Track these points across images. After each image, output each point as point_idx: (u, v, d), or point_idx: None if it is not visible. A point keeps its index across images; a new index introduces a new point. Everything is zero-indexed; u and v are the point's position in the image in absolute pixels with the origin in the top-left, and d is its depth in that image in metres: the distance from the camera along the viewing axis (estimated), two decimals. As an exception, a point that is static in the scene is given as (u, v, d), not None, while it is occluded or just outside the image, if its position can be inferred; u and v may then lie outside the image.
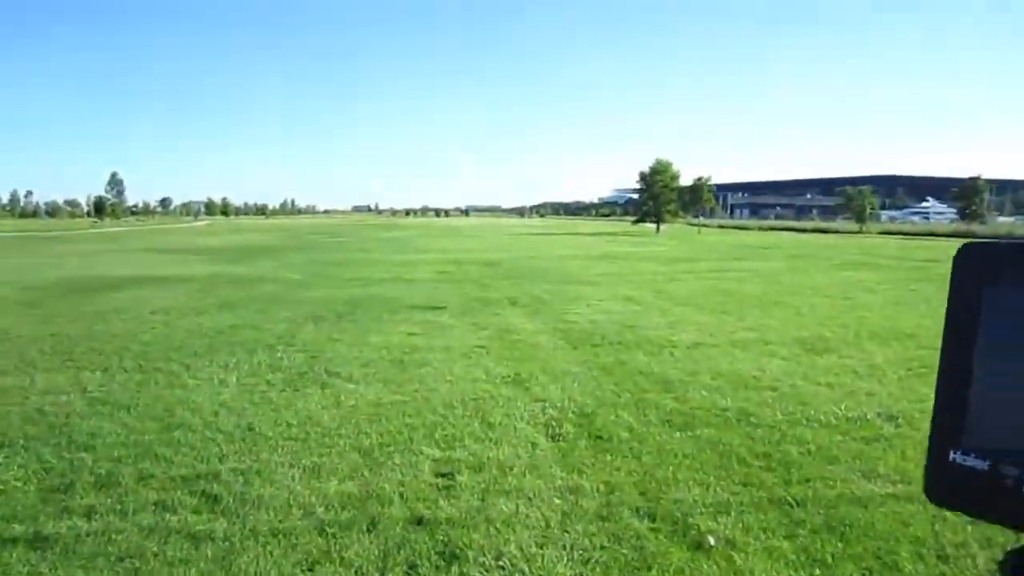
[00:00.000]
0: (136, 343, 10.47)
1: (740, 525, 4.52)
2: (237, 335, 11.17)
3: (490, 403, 7.29)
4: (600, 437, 6.22)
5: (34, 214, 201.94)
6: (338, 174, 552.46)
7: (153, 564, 4.01)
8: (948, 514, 4.21)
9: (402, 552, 4.16)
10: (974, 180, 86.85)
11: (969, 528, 4.32)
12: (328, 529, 4.43)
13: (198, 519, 4.57)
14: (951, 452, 0.72)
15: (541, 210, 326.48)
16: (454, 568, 4.00)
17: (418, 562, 4.05)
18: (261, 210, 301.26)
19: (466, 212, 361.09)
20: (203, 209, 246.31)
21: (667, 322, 12.56)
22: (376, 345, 10.36)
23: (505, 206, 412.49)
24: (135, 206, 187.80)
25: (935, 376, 0.74)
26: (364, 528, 4.45)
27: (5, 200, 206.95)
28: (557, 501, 4.87)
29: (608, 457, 5.69)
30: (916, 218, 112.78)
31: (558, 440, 6.14)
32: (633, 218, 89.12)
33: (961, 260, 0.73)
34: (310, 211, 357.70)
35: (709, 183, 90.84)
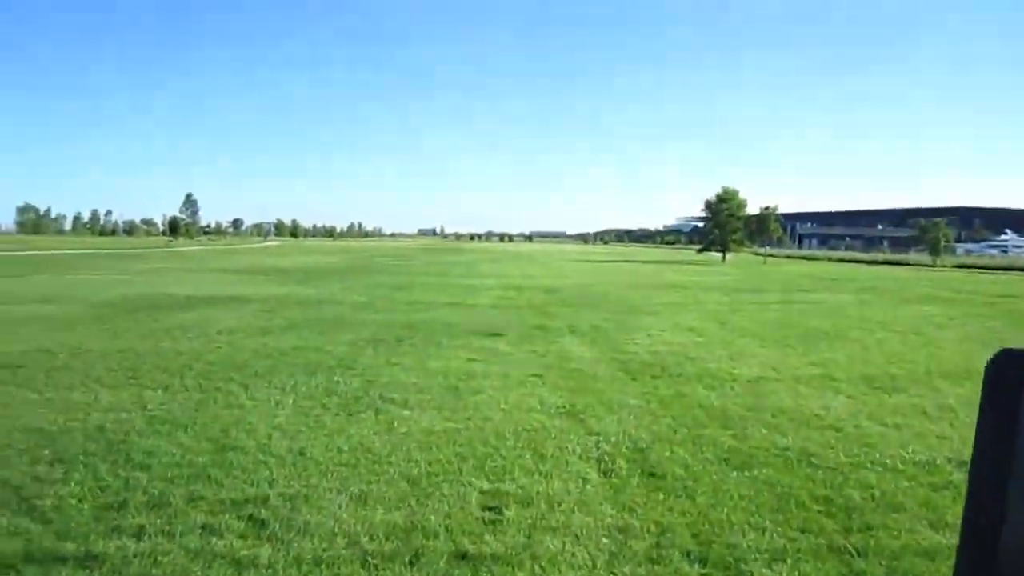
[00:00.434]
0: (200, 362, 10.66)
1: (796, 575, 4.32)
2: (298, 357, 11.29)
3: (543, 434, 7.19)
4: (654, 474, 6.05)
5: (113, 232, 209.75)
6: (404, 198, 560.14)
7: (196, 589, 4.01)
8: None
9: (444, 588, 4.07)
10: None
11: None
12: (371, 560, 4.37)
13: (243, 544, 4.56)
14: None
15: (605, 237, 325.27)
16: (496, 607, 3.90)
17: (460, 599, 3.96)
18: (329, 232, 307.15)
19: (530, 238, 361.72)
20: (273, 230, 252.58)
21: (729, 355, 12.29)
22: (433, 371, 10.35)
23: (569, 232, 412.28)
24: (208, 226, 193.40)
25: None
26: (407, 561, 4.38)
27: (86, 218, 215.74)
28: (605, 540, 4.73)
29: (661, 495, 5.52)
30: (994, 251, 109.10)
31: (610, 476, 5.99)
32: (698, 246, 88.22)
33: (997, 369, 0.61)
34: (376, 234, 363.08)
35: (776, 212, 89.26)
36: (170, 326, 14.53)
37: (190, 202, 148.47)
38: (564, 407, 8.34)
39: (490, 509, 5.22)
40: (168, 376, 9.59)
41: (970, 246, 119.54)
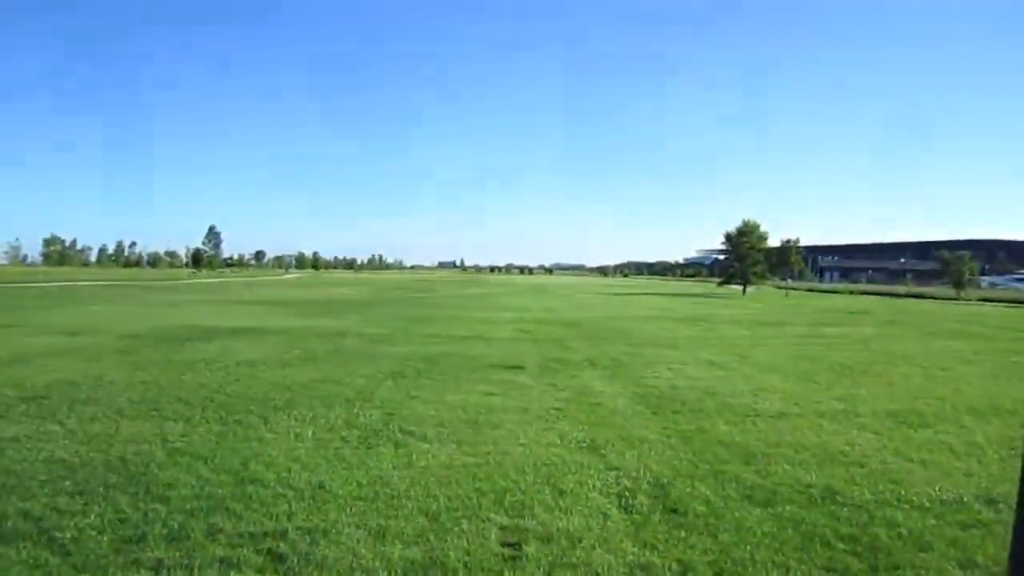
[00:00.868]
0: (221, 394, 10.71)
1: (822, 615, 4.23)
2: (318, 389, 11.31)
3: (563, 469, 7.13)
4: (675, 510, 5.97)
5: (137, 264, 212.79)
6: (425, 230, 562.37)
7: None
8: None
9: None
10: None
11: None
12: (389, 597, 4.33)
13: (262, 579, 4.55)
14: None
15: (625, 269, 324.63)
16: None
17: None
18: (349, 264, 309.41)
19: (550, 270, 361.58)
20: (294, 262, 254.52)
21: (751, 389, 12.18)
22: (452, 404, 10.33)
23: (589, 265, 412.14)
24: (230, 258, 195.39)
25: None
26: (426, 598, 4.34)
27: (111, 250, 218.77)
28: (626, 579, 4.66)
29: (682, 533, 5.45)
30: (1020, 285, 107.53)
31: (631, 512, 5.93)
32: (718, 279, 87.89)
33: None
34: (397, 266, 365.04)
35: (798, 245, 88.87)
36: (192, 358, 14.63)
37: (213, 234, 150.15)
38: (584, 441, 8.29)
39: (509, 545, 5.17)
40: (189, 408, 9.64)
41: (995, 279, 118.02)
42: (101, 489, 6.17)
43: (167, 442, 7.83)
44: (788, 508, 6.08)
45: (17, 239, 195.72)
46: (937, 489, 6.66)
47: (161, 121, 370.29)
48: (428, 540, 5.21)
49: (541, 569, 4.78)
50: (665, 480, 6.82)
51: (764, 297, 66.33)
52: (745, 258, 77.61)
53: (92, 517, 5.48)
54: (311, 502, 5.99)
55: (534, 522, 5.62)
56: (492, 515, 5.76)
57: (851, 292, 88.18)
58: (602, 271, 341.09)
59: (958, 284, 78.07)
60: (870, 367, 15.51)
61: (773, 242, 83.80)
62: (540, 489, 6.49)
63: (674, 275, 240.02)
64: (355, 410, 9.75)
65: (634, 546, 5.19)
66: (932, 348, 20.40)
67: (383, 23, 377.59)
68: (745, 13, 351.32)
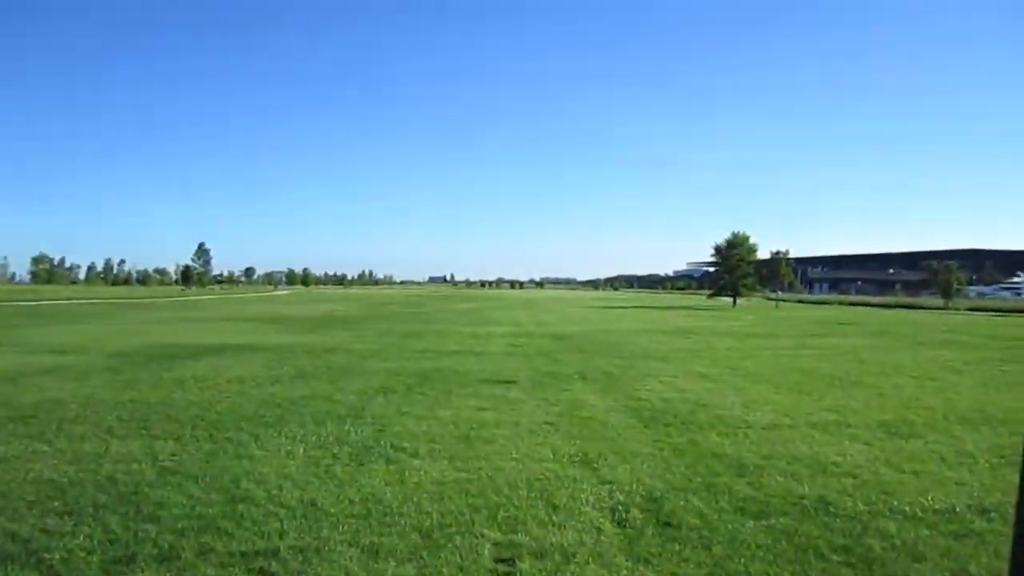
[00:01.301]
0: (211, 412, 10.65)
1: (817, 628, 4.22)
2: (308, 406, 11.26)
3: (556, 484, 7.11)
4: (669, 524, 5.96)
5: (126, 281, 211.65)
6: (415, 246, 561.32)
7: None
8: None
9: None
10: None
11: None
12: (383, 615, 4.30)
13: (254, 599, 4.51)
14: None
15: (616, 283, 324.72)
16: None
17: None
18: (340, 280, 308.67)
19: (540, 284, 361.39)
20: (284, 279, 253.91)
21: (742, 401, 12.19)
22: (444, 420, 10.30)
23: (580, 278, 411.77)
24: (220, 275, 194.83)
25: None
26: (420, 615, 4.31)
27: (100, 268, 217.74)
28: (621, 593, 4.64)
29: (676, 546, 5.43)
30: (1007, 294, 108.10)
31: (624, 526, 5.91)
32: (708, 292, 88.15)
33: None
34: (387, 281, 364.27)
35: (787, 257, 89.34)
36: (181, 376, 14.55)
37: (203, 251, 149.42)
38: (577, 456, 8.27)
39: (503, 561, 5.15)
40: (179, 426, 9.58)
41: (982, 288, 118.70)
42: (90, 509, 6.12)
43: (157, 461, 7.77)
44: (782, 520, 6.08)
45: (5, 257, 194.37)
46: (929, 499, 6.67)
47: (148, 139, 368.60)
48: (421, 557, 5.18)
49: (535, 585, 4.76)
50: (658, 493, 6.81)
51: (754, 309, 66.54)
52: (735, 270, 77.97)
53: (81, 538, 5.43)
54: (303, 520, 5.94)
55: (527, 537, 5.60)
56: (485, 531, 5.73)
57: (840, 303, 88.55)
58: (593, 284, 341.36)
59: (946, 294, 78.49)
60: (861, 378, 15.56)
61: (763, 254, 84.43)
62: (533, 504, 6.47)
63: (664, 288, 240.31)
64: (346, 427, 9.71)
65: (628, 560, 5.17)
66: (922, 358, 20.50)
67: (369, 35, 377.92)
68: (732, 24, 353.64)
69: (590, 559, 5.18)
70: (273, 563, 5.03)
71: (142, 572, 4.86)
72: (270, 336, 26.46)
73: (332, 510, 6.20)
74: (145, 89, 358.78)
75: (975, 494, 6.87)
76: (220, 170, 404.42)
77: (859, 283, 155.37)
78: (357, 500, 6.49)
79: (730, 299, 79.79)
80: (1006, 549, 5.25)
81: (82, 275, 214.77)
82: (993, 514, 6.22)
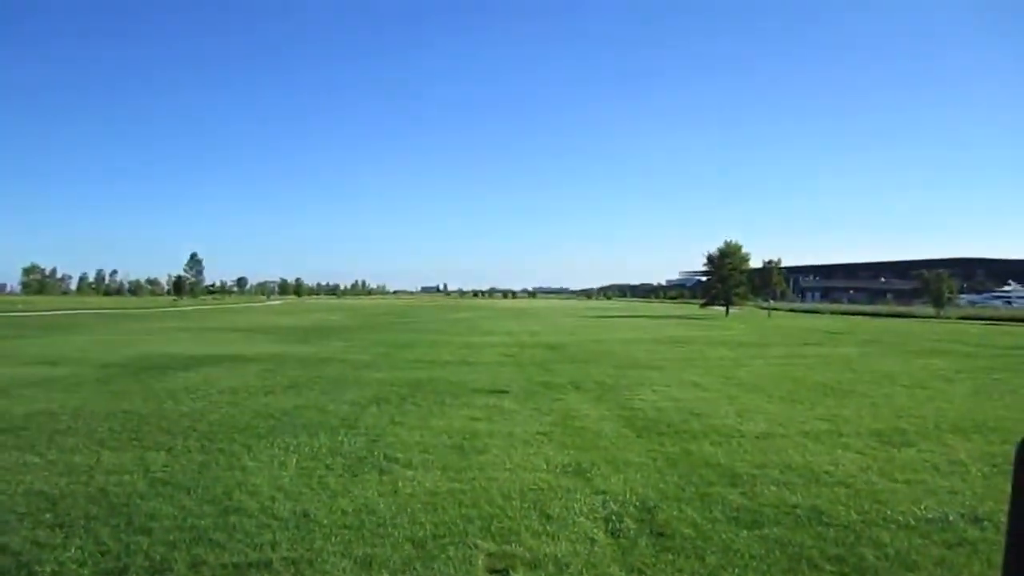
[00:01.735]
0: (203, 423, 10.60)
1: (811, 637, 4.22)
2: (301, 417, 11.23)
3: (549, 494, 7.10)
4: (662, 534, 5.95)
5: (118, 292, 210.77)
6: (408, 256, 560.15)
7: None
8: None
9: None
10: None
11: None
12: (376, 627, 4.28)
13: (246, 611, 4.48)
14: None
15: (608, 292, 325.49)
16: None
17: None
18: (333, 290, 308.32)
19: (533, 294, 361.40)
20: (277, 289, 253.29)
21: (735, 410, 12.20)
22: (437, 430, 10.28)
23: (572, 288, 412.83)
24: (212, 285, 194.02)
25: None
26: (413, 627, 4.30)
27: (92, 278, 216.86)
28: (615, 603, 4.63)
29: (670, 556, 5.43)
30: (998, 302, 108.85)
31: (618, 536, 5.90)
32: (701, 301, 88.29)
33: None
34: (380, 291, 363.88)
35: (779, 266, 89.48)
36: (173, 387, 14.49)
37: (195, 261, 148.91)
38: (570, 465, 8.26)
39: (497, 572, 5.14)
40: (171, 438, 9.54)
41: (973, 297, 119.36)
42: (82, 521, 6.08)
43: (149, 472, 7.73)
44: (775, 529, 6.08)
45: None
46: (922, 508, 6.68)
47: (140, 147, 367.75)
48: (415, 568, 5.16)
49: (529, 596, 4.75)
50: (652, 503, 6.80)
51: (747, 318, 66.69)
52: (727, 279, 78.14)
53: (73, 550, 5.39)
54: (296, 531, 5.92)
55: (521, 548, 5.58)
56: (479, 541, 5.72)
57: (832, 312, 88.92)
58: (586, 294, 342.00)
59: (938, 303, 78.93)
60: (853, 387, 15.59)
61: (755, 263, 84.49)
62: (527, 514, 6.45)
63: (657, 297, 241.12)
64: (339, 437, 9.68)
65: (621, 571, 5.17)
66: (914, 367, 20.55)
67: (364, 45, 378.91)
68: (722, 34, 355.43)
69: (584, 569, 5.18)
70: (266, 575, 5.01)
71: (134, 585, 4.83)
72: (262, 346, 26.38)
73: (325, 521, 6.17)
74: (138, 95, 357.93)
75: (968, 503, 6.87)
76: (212, 181, 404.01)
77: (851, 292, 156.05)
78: (350, 511, 6.47)
79: (723, 308, 79.95)
80: (999, 558, 5.27)
81: (74, 285, 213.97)
82: (986, 523, 6.23)
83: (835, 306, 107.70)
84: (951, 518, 6.40)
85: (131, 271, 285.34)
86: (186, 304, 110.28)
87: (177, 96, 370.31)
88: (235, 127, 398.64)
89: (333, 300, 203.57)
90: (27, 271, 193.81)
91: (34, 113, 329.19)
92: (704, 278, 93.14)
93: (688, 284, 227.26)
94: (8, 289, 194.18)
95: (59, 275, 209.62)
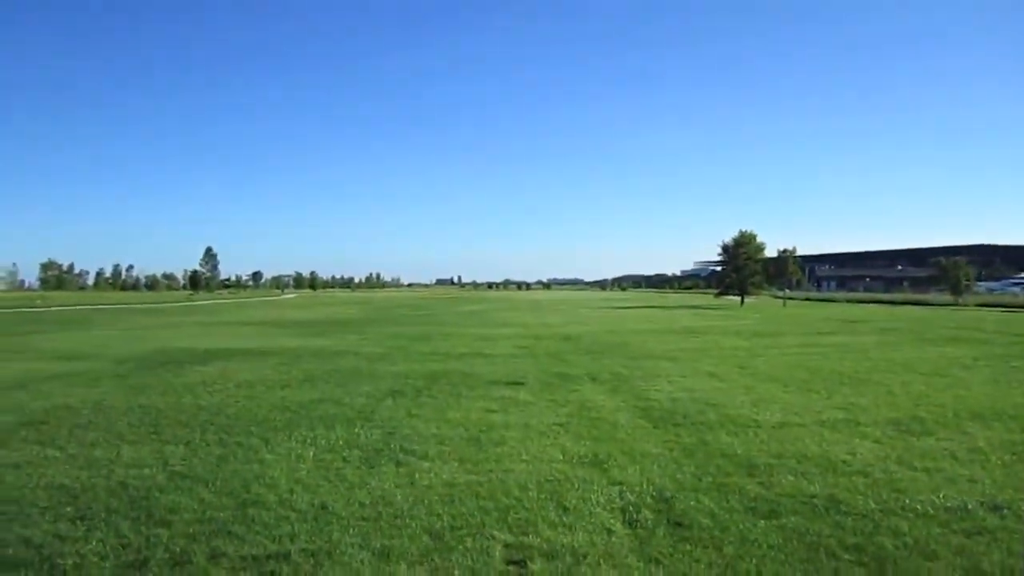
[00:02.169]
0: (221, 416, 10.68)
1: (830, 627, 4.21)
2: (317, 410, 11.28)
3: (566, 485, 7.11)
4: (680, 524, 5.96)
5: (135, 287, 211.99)
6: (422, 248, 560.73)
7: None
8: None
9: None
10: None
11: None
12: (395, 617, 4.31)
13: (266, 603, 4.52)
14: None
15: (623, 283, 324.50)
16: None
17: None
18: (347, 283, 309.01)
19: (547, 285, 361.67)
20: (292, 282, 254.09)
21: (751, 400, 12.17)
22: (453, 422, 10.31)
23: (586, 279, 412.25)
24: (228, 279, 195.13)
25: None
26: (432, 618, 4.32)
27: (108, 273, 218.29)
28: (633, 594, 4.64)
29: (687, 546, 5.43)
30: (1017, 289, 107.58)
31: (635, 526, 5.91)
32: (715, 291, 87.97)
33: None
34: (394, 284, 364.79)
35: (794, 255, 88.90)
36: (191, 381, 14.59)
37: (210, 256, 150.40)
38: (587, 456, 8.27)
39: (515, 563, 5.16)
40: (189, 431, 9.62)
41: (991, 284, 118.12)
42: (103, 514, 6.15)
43: (168, 466, 7.80)
44: (792, 519, 6.07)
45: (14, 264, 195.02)
46: (941, 497, 6.65)
47: (154, 143, 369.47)
48: (432, 559, 5.19)
49: (547, 586, 4.76)
50: (669, 494, 6.80)
51: (762, 307, 66.36)
52: (742, 269, 77.78)
53: (94, 543, 5.46)
54: (314, 523, 5.96)
55: (538, 539, 5.60)
56: (496, 533, 5.74)
57: (848, 300, 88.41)
58: (600, 285, 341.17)
59: (955, 290, 78.23)
60: (870, 375, 15.51)
61: (770, 252, 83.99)
62: (544, 505, 6.47)
63: (672, 288, 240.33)
64: (356, 430, 9.73)
65: (639, 561, 5.17)
66: (931, 355, 20.42)
67: (375, 39, 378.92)
68: (733, 21, 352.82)
69: (601, 560, 5.19)
70: (284, 567, 5.05)
71: (155, 577, 4.88)
72: (278, 340, 26.50)
73: (343, 513, 6.21)
74: (150, 91, 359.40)
75: (987, 491, 6.84)
76: (227, 175, 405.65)
77: (867, 280, 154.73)
78: (367, 503, 6.50)
79: (737, 298, 79.65)
80: (1020, 546, 5.25)
81: (91, 281, 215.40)
82: (1006, 511, 6.20)
83: (851, 295, 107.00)
84: (970, 507, 6.37)
85: (147, 266, 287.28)
86: (202, 299, 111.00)
87: (188, 88, 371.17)
88: (250, 122, 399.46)
89: (347, 293, 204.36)
90: (45, 267, 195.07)
91: (49, 111, 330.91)
92: (719, 268, 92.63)
93: (703, 274, 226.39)
94: (27, 285, 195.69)
95: (76, 271, 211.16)
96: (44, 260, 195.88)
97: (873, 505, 6.45)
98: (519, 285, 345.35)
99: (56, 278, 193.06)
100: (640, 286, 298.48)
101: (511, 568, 5.07)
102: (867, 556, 5.24)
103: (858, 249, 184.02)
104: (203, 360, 18.76)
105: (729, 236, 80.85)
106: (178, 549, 5.35)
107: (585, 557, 5.23)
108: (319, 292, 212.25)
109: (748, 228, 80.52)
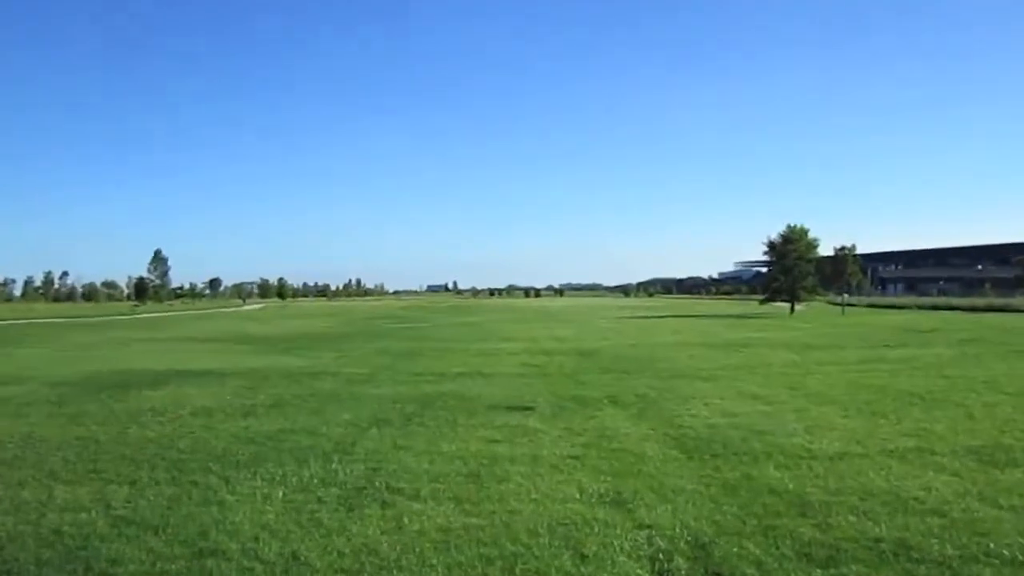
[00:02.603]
0: (172, 450, 10.71)
1: None
2: (288, 441, 11.31)
3: (584, 529, 7.11)
4: (719, 574, 5.95)
5: (70, 297, 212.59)
6: (410, 250, 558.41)
7: None
8: None
9: None
10: None
11: None
12: None
13: (227, 672, 4.52)
14: None
15: (650, 288, 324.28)
16: None
17: None
18: (322, 291, 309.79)
19: (560, 291, 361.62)
20: (256, 290, 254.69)
21: (804, 426, 12.16)
22: (449, 454, 10.33)
23: (607, 284, 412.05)
24: (181, 287, 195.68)
25: None
26: None
27: (39, 281, 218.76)
28: (664, 659, 4.64)
29: (729, 601, 5.43)
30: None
31: (667, 578, 5.91)
32: (760, 297, 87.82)
33: None
34: (379, 292, 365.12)
35: (854, 253, 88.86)
36: (137, 408, 14.63)
37: (159, 260, 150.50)
38: (608, 495, 8.27)
39: (523, 622, 5.16)
40: (135, 468, 9.64)
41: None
42: (32, 568, 6.15)
43: (110, 509, 7.81)
44: (854, 567, 6.05)
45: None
46: (1032, 540, 6.64)
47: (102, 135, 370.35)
48: (425, 619, 5.19)
49: (561, 650, 4.76)
50: (706, 539, 6.79)
51: (816, 316, 66.28)
52: (792, 270, 77.45)
53: (23, 603, 5.47)
54: (283, 576, 5.97)
55: (551, 595, 5.60)
56: (501, 587, 5.74)
57: (919, 306, 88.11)
58: (623, 291, 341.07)
59: (1047, 294, 77.95)
60: (946, 396, 15.48)
61: (825, 250, 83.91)
62: (557, 553, 6.46)
63: (708, 293, 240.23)
64: (333, 465, 9.74)
65: (672, 619, 5.17)
66: (1019, 370, 20.38)
67: (358, 29, 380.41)
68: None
69: (626, 618, 5.18)
70: (249, 628, 5.05)
71: (95, 642, 4.89)
72: (241, 359, 26.57)
73: (318, 564, 6.22)
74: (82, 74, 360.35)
75: (1087, 533, 6.82)
76: (180, 169, 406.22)
77: (941, 282, 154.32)
78: (347, 552, 6.50)
79: (787, 304, 79.46)
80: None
81: (18, 291, 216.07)
82: (1109, 557, 6.18)
83: (922, 299, 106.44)
84: (1067, 552, 6.35)
85: (84, 273, 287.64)
86: (149, 310, 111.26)
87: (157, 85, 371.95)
88: (206, 106, 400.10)
89: (322, 303, 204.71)
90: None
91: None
92: (764, 269, 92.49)
93: (745, 277, 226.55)
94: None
95: (0, 280, 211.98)
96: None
97: (950, 551, 6.42)
98: (527, 292, 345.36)
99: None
100: (670, 291, 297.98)
101: (519, 628, 5.07)
102: (944, 611, 5.23)
103: (931, 246, 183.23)
104: (152, 383, 18.80)
105: (776, 232, 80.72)
106: (122, 609, 5.36)
107: (607, 615, 5.23)
108: (289, 302, 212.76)
109: (798, 222, 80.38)
